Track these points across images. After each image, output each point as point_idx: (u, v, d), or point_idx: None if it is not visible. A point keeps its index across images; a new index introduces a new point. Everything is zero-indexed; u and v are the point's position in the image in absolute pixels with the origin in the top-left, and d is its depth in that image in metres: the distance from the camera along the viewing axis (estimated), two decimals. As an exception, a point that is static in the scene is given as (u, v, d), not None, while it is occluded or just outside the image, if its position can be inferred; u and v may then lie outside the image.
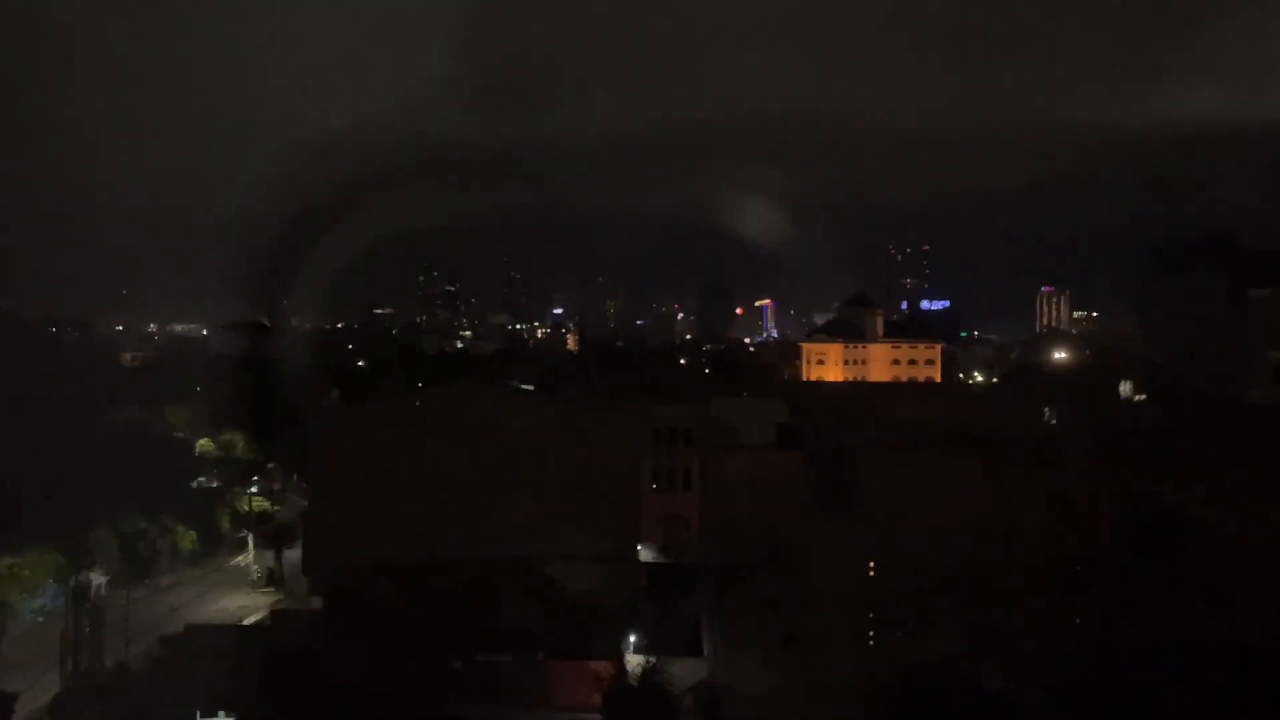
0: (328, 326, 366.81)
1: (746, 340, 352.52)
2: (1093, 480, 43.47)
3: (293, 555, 69.60)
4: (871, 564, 47.63)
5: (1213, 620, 34.68)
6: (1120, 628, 36.22)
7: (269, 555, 72.90)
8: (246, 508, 77.69)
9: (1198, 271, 74.24)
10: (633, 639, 51.67)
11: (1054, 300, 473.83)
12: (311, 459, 60.47)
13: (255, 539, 75.07)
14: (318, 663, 45.05)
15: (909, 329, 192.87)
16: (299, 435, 66.93)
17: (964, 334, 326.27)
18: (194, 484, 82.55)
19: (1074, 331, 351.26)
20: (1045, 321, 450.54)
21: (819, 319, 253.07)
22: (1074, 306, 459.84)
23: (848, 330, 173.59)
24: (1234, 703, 31.65)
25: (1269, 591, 36.86)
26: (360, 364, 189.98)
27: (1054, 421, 53.97)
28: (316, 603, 56.60)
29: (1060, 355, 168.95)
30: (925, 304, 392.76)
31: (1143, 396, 67.94)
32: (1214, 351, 70.40)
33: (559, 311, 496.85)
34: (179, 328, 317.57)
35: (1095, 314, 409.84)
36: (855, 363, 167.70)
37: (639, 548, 60.85)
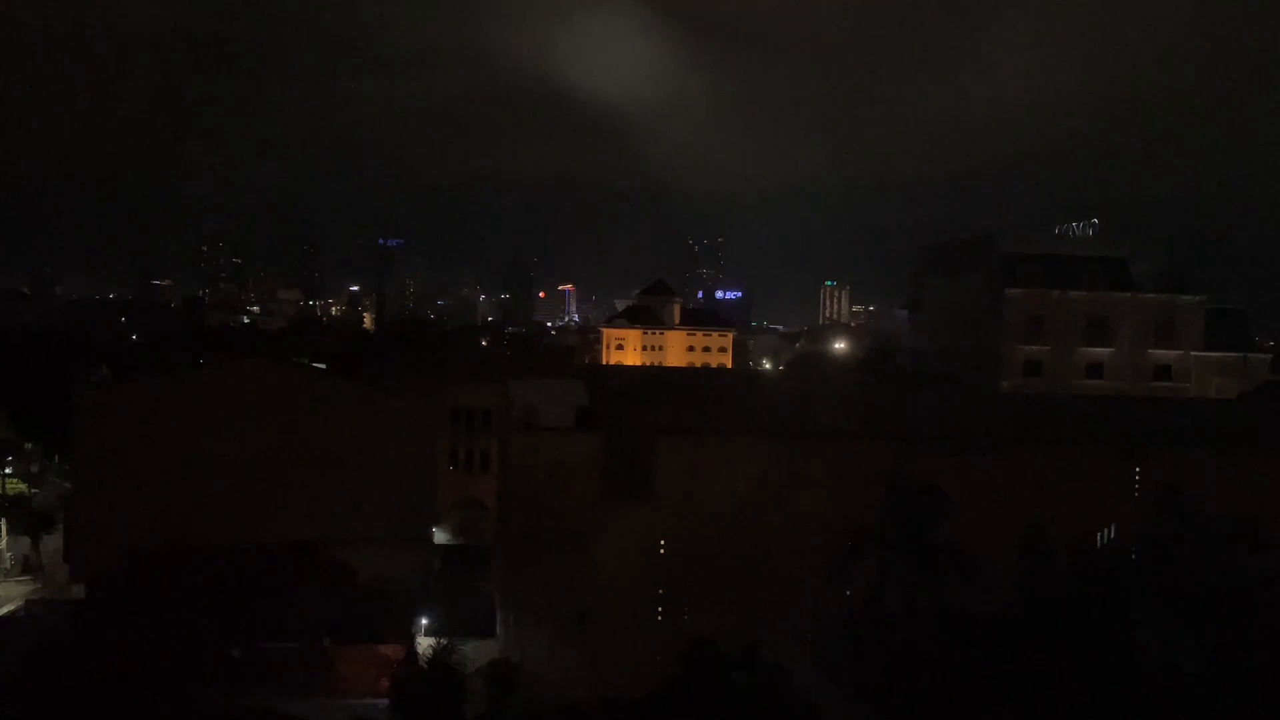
0: (98, 297, 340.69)
1: (549, 324, 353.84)
2: (864, 461, 46.59)
3: (53, 542, 64.96)
4: (662, 545, 49.20)
5: (964, 589, 38.00)
6: (884, 598, 39.08)
7: (25, 541, 67.75)
8: (-1, 491, 71.93)
9: (962, 270, 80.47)
10: (425, 621, 51.33)
11: (836, 294, 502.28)
12: (75, 439, 56.26)
13: (9, 524, 69.62)
14: (80, 655, 42.30)
15: (704, 317, 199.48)
16: (61, 413, 62.24)
17: (755, 323, 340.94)
18: (-65, 465, 75.58)
19: (852, 324, 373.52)
20: (828, 314, 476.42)
21: (619, 305, 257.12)
22: (854, 300, 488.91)
23: (647, 316, 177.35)
24: (983, 663, 34.95)
25: (1009, 562, 40.78)
26: (134, 338, 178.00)
27: (831, 407, 57.43)
28: (79, 591, 52.94)
29: (840, 345, 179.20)
30: (720, 294, 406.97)
31: (911, 384, 73.26)
32: (974, 345, 76.65)
33: (356, 289, 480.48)
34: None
35: (872, 307, 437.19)
36: (653, 348, 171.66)
37: (434, 530, 60.38)
